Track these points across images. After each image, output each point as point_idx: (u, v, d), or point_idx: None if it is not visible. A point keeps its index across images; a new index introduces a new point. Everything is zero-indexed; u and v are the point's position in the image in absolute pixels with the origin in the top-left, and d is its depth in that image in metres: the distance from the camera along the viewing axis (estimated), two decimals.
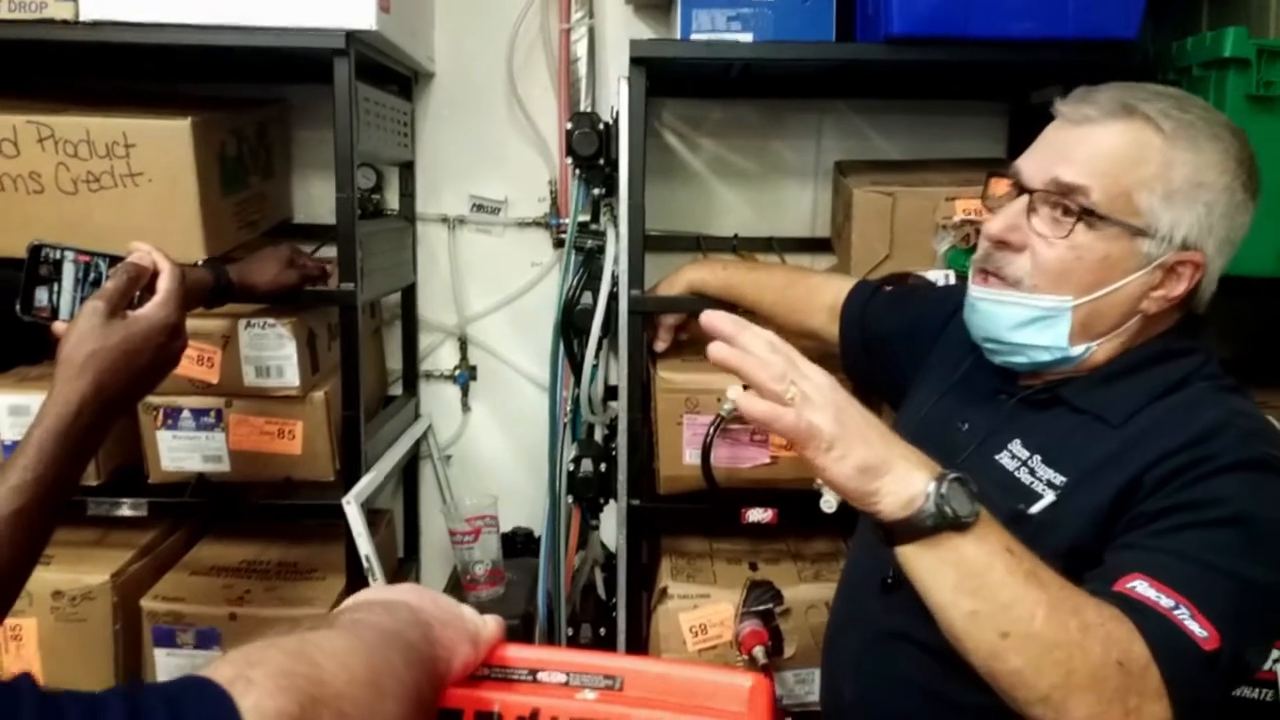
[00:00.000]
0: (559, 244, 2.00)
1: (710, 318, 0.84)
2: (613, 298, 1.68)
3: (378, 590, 0.76)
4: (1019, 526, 0.86)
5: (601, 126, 1.70)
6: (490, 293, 2.08)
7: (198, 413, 1.70)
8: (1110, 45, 1.45)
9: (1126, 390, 0.95)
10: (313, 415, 1.70)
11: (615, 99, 1.63)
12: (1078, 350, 0.97)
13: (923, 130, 2.00)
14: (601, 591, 1.88)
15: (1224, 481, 0.85)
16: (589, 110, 1.90)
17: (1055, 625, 0.76)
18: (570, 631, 1.79)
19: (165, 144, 1.58)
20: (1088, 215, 0.91)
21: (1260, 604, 0.82)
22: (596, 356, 1.74)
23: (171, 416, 1.70)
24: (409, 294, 2.05)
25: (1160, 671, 0.77)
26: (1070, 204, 0.92)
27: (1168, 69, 1.58)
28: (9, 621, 1.68)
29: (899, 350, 1.29)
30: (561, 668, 0.78)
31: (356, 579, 1.65)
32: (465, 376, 2.09)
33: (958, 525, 0.77)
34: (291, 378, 1.68)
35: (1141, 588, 0.80)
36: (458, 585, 1.87)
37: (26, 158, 1.58)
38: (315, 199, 2.05)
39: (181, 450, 1.71)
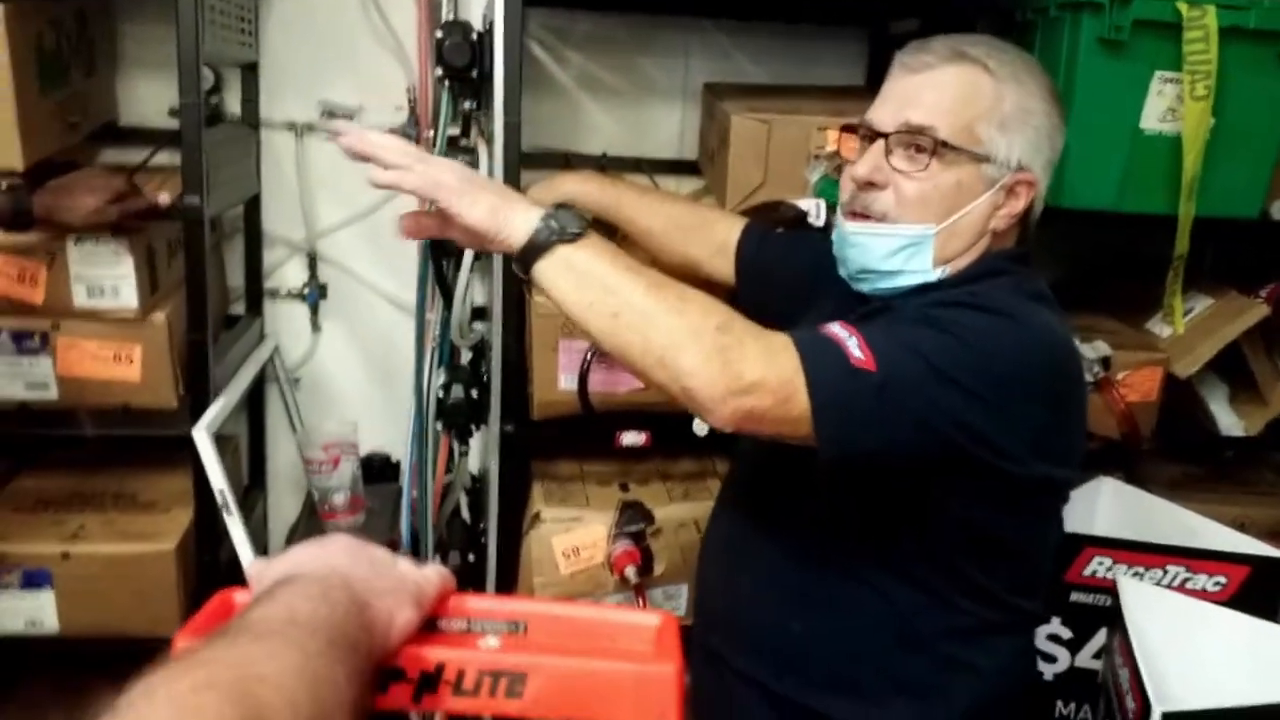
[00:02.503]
0: None
1: (338, 126, 1.03)
2: None
3: (312, 552, 0.70)
4: None
5: (474, 36, 1.61)
6: (342, 206, 1.96)
7: (19, 335, 1.54)
8: None
9: (937, 293, 1.05)
10: (153, 338, 1.57)
11: (488, 7, 1.54)
12: (937, 274, 1.06)
13: (787, 55, 2.00)
14: (467, 517, 1.86)
15: (950, 310, 0.97)
16: (455, 15, 1.80)
17: (655, 299, 0.91)
18: (438, 559, 1.76)
19: None
20: (940, 148, 1.02)
21: (932, 367, 0.92)
22: (468, 279, 1.68)
23: None
24: (252, 206, 1.91)
25: (803, 364, 0.90)
26: (923, 141, 1.03)
27: (1026, 7, 1.64)
28: None
29: (793, 291, 1.32)
30: (462, 614, 0.76)
31: (206, 513, 1.55)
32: (315, 295, 1.97)
33: (565, 238, 0.92)
34: (129, 298, 1.55)
35: (829, 327, 0.95)
36: (313, 514, 1.80)
37: None
38: (142, 100, 1.86)
39: (0, 377, 1.55)
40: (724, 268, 1.43)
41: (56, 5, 1.56)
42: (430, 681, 0.68)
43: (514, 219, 0.93)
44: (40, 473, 1.77)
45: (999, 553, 1.04)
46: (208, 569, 1.61)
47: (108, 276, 1.53)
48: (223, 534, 1.54)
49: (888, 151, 1.05)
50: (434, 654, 0.69)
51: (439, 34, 1.60)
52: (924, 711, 1.05)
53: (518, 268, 0.95)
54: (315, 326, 2.00)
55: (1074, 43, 1.52)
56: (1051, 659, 1.42)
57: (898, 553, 1.04)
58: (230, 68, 1.85)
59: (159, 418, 1.61)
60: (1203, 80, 1.46)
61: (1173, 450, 1.81)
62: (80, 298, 1.54)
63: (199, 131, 1.49)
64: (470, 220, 0.93)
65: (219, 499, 1.49)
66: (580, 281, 0.92)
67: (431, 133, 1.82)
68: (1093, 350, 1.64)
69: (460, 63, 1.58)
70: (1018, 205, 1.06)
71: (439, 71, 1.61)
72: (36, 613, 1.58)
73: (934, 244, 1.05)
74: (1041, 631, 1.41)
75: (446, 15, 1.84)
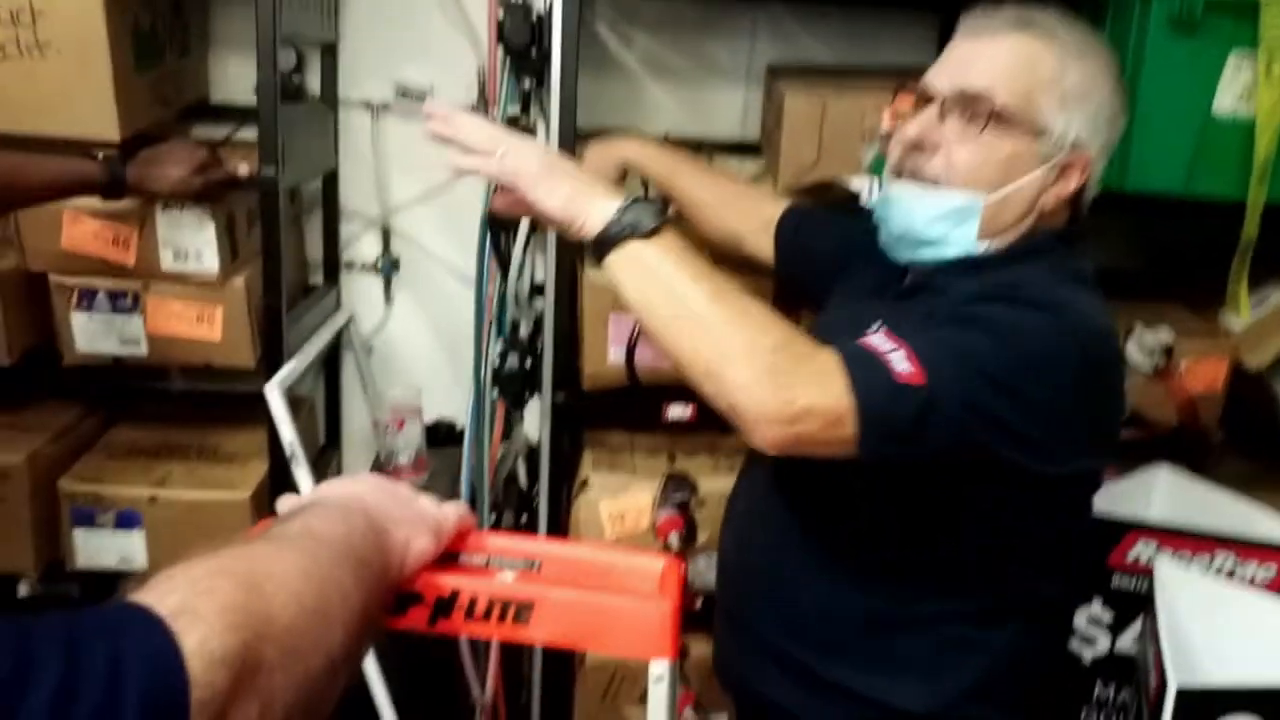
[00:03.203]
0: None
1: (430, 107, 1.01)
2: None
3: (338, 485, 0.76)
4: None
5: (535, 17, 1.67)
6: (414, 183, 2.04)
7: (114, 295, 1.67)
8: None
9: (990, 276, 1.02)
10: (233, 301, 1.68)
11: None
12: (981, 247, 1.04)
13: (856, 36, 2.00)
14: (523, 482, 1.93)
15: (992, 307, 0.94)
16: None
17: (715, 308, 0.89)
18: (493, 518, 1.83)
19: (75, 13, 1.52)
20: (995, 117, 0.99)
21: (980, 374, 0.89)
22: (524, 253, 1.74)
23: (86, 298, 1.66)
24: (330, 181, 2.01)
25: (852, 386, 0.86)
26: (979, 107, 1.00)
27: None
28: None
29: (826, 267, 1.32)
30: (483, 550, 0.82)
31: (280, 466, 1.66)
32: (389, 267, 2.07)
33: (639, 233, 0.91)
34: (210, 263, 1.66)
35: (873, 339, 0.91)
36: (380, 472, 1.89)
37: None
38: (232, 78, 1.97)
39: (97, 333, 1.68)
40: (765, 246, 1.45)
41: None
42: (445, 607, 0.74)
43: (590, 210, 0.93)
44: (132, 424, 1.91)
45: (1023, 542, 1.03)
46: None
47: (192, 242, 1.64)
48: (295, 486, 1.65)
49: (942, 115, 1.02)
50: (450, 581, 0.75)
51: (501, 14, 1.66)
52: (934, 687, 1.05)
53: (591, 257, 0.96)
54: (388, 298, 2.09)
55: (1144, 23, 1.48)
56: (1091, 641, 1.42)
57: (925, 545, 1.03)
58: (311, 48, 1.94)
59: (238, 375, 1.72)
60: (1278, 60, 1.41)
61: (1243, 445, 1.75)
62: (167, 261, 1.65)
63: (275, 106, 1.58)
64: (546, 209, 0.94)
65: (287, 450, 1.59)
66: (645, 279, 0.91)
67: (496, 112, 1.89)
68: (1154, 337, 1.61)
69: (520, 42, 1.64)
70: (1069, 186, 1.03)
71: (500, 50, 1.67)
72: (128, 550, 1.72)
73: (981, 215, 1.01)
74: (1082, 614, 1.41)
75: None
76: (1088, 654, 1.44)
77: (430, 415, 2.03)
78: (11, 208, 1.51)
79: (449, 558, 0.79)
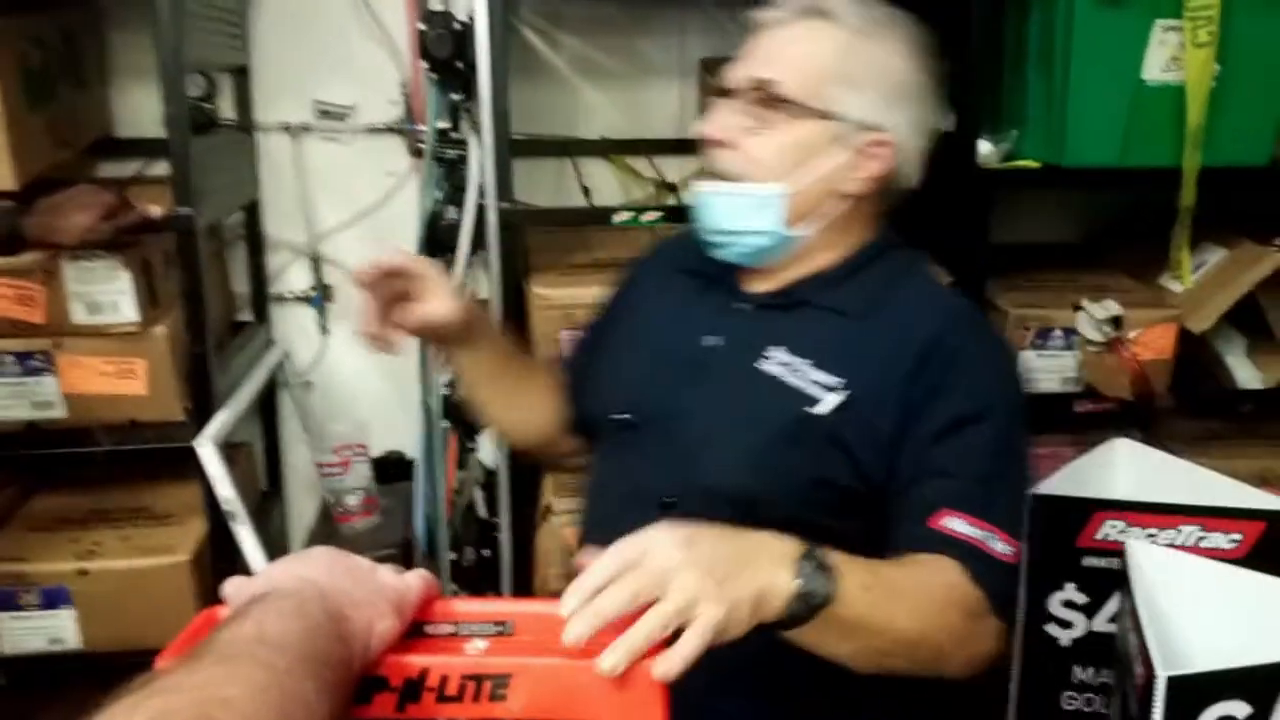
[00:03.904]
0: (416, 152, 1.87)
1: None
2: (480, 209, 1.60)
3: (290, 567, 0.70)
4: (809, 426, 0.97)
5: (457, 25, 1.59)
6: (342, 206, 1.94)
7: (22, 356, 1.54)
8: None
9: (857, 285, 1.05)
10: (155, 351, 1.56)
11: None
12: (795, 232, 1.04)
13: None
14: (483, 512, 1.85)
15: (980, 379, 0.99)
16: (444, 4, 1.77)
17: (915, 619, 0.85)
18: (454, 555, 1.75)
19: None
20: (783, 104, 1.00)
21: (1020, 485, 1.01)
22: (466, 272, 1.66)
23: None
24: (252, 212, 1.90)
25: (985, 597, 0.90)
26: (767, 96, 1.00)
27: None
28: None
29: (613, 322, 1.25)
30: (448, 617, 0.75)
31: (220, 524, 1.55)
32: (320, 298, 1.96)
33: (826, 604, 0.79)
34: (128, 313, 1.54)
35: (955, 525, 0.92)
36: (329, 518, 1.79)
37: None
38: (136, 109, 1.85)
39: (7, 397, 1.55)
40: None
41: (38, 22, 1.55)
42: (414, 689, 0.68)
43: (768, 601, 0.76)
44: (54, 492, 1.78)
45: None
46: (224, 578, 1.60)
47: (105, 292, 1.52)
48: (236, 544, 1.54)
49: (737, 110, 1.03)
50: (416, 661, 0.68)
51: (421, 26, 1.58)
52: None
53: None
54: (323, 329, 1.99)
55: None
56: (1067, 624, 1.40)
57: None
58: (221, 72, 1.83)
59: (167, 430, 1.60)
60: (1205, 26, 1.41)
61: (1191, 407, 1.76)
62: (80, 315, 1.53)
63: (186, 140, 1.48)
64: (742, 632, 0.74)
65: (226, 510, 1.48)
66: (845, 635, 0.82)
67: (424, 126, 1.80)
68: (1103, 309, 1.60)
69: (443, 53, 1.56)
70: (873, 167, 1.03)
71: (424, 63, 1.59)
72: (58, 631, 1.59)
73: (783, 202, 1.02)
74: (1056, 598, 1.40)
75: (435, 6, 1.81)
76: (1065, 637, 1.42)
77: (378, 448, 1.93)
78: None
79: (413, 629, 0.73)
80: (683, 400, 1.04)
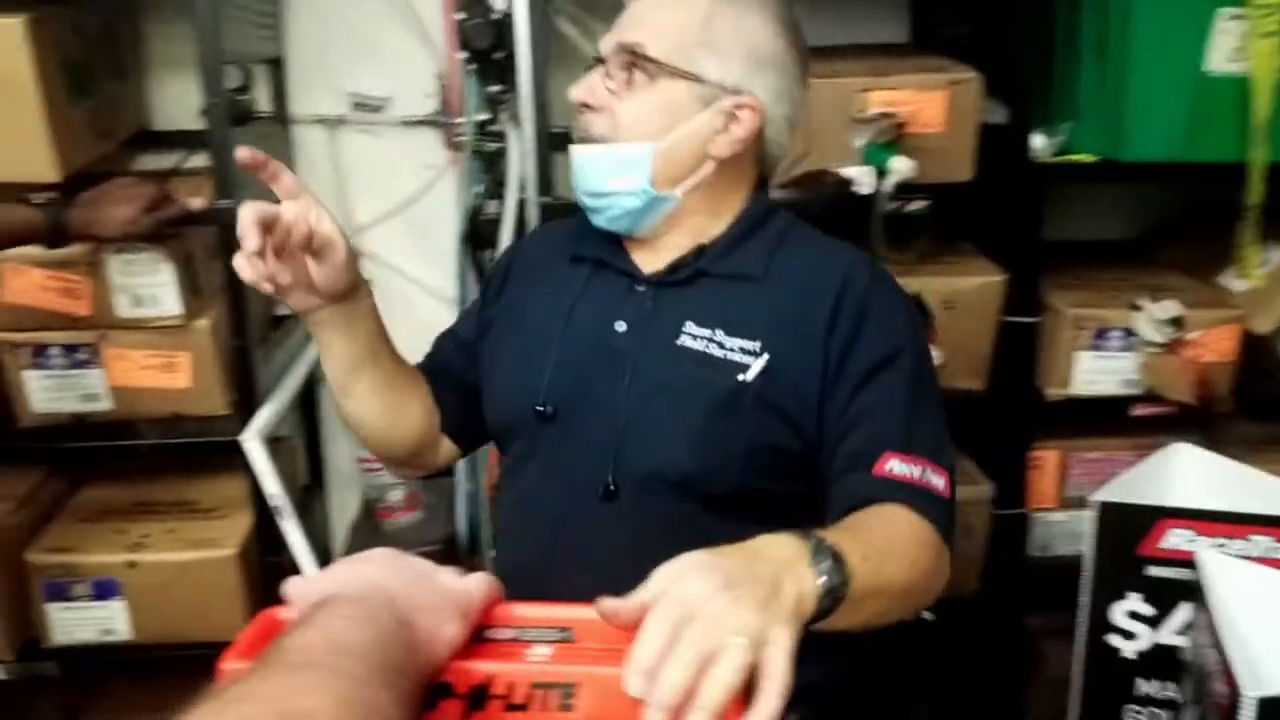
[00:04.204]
0: (454, 145, 1.86)
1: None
2: (521, 203, 1.58)
3: (354, 570, 0.68)
4: (741, 394, 1.00)
5: (496, 15, 1.57)
6: (379, 199, 1.93)
7: (69, 349, 1.55)
8: None
9: (751, 249, 1.09)
10: (199, 345, 1.57)
11: None
12: (665, 193, 1.06)
13: (824, 15, 1.91)
14: None
15: (888, 321, 1.04)
16: None
17: (909, 574, 0.89)
18: (495, 553, 1.75)
19: None
20: (647, 65, 1.04)
21: (939, 413, 1.05)
22: None
23: (39, 355, 1.54)
24: None
25: (936, 531, 0.95)
26: (633, 61, 1.04)
27: None
28: None
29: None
30: (510, 622, 0.74)
31: (265, 517, 1.56)
32: None
33: (846, 589, 0.80)
34: (171, 306, 1.54)
35: (894, 465, 0.97)
36: (371, 513, 1.79)
37: None
38: (173, 101, 1.85)
39: (54, 390, 1.56)
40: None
41: (78, 13, 1.55)
42: (480, 696, 0.66)
43: (805, 608, 0.75)
44: (102, 484, 1.79)
45: None
46: (270, 572, 1.62)
47: (149, 285, 1.53)
48: (282, 537, 1.55)
49: (606, 75, 1.06)
50: (482, 667, 0.67)
51: (460, 16, 1.56)
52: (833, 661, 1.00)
53: None
54: None
55: None
56: (1131, 635, 1.37)
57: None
58: (257, 64, 1.82)
59: (212, 423, 1.61)
60: (1271, 15, 1.38)
61: (1252, 410, 1.72)
62: (124, 308, 1.54)
63: (226, 132, 1.48)
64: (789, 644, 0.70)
65: (273, 505, 1.49)
66: (856, 607, 0.81)
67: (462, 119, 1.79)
68: (1162, 310, 1.57)
69: (483, 44, 1.54)
70: (739, 130, 1.05)
71: (462, 55, 1.57)
72: (109, 622, 1.61)
73: (651, 162, 1.04)
74: (1118, 608, 1.36)
75: None
76: (1128, 649, 1.39)
77: None
78: None
79: (475, 634, 0.71)
80: (605, 388, 1.05)
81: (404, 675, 0.59)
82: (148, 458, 1.67)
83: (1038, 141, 1.53)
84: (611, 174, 1.06)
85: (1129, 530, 1.35)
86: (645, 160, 1.04)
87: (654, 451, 1.01)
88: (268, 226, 0.95)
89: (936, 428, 1.03)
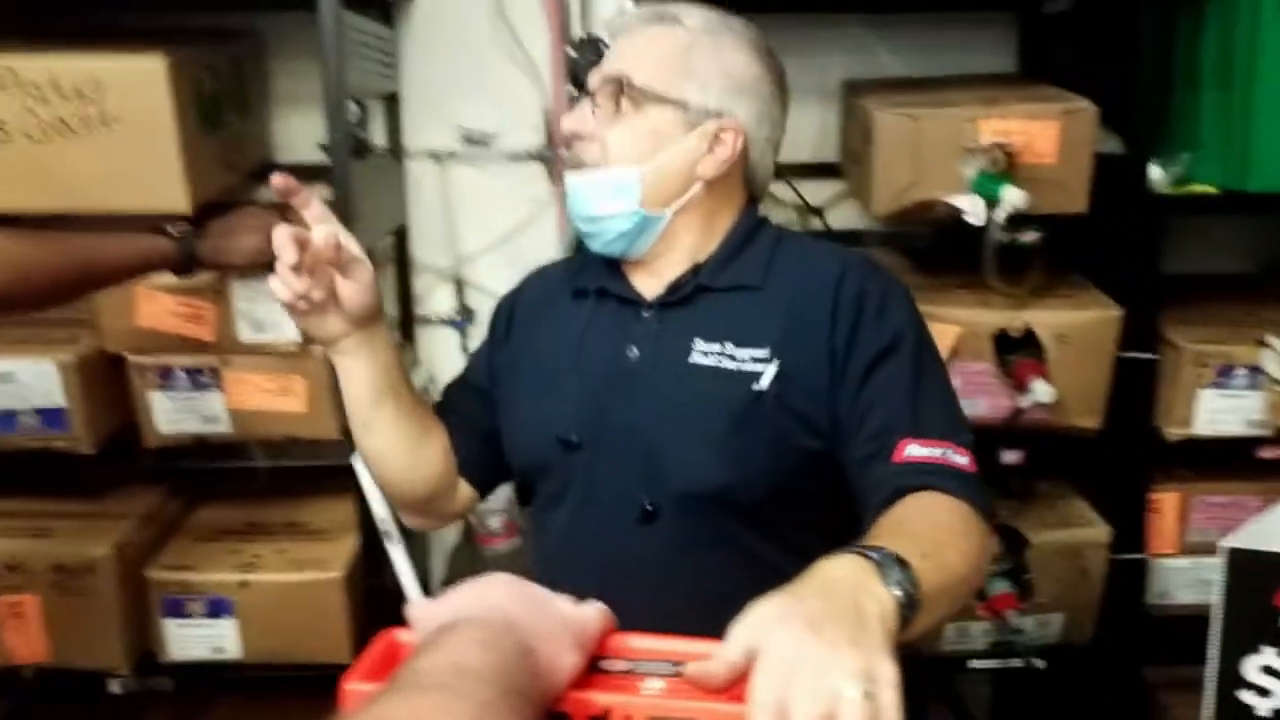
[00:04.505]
0: (558, 179, 1.90)
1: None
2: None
3: (474, 595, 0.69)
4: (759, 403, 1.02)
5: (605, 50, 1.59)
6: (484, 231, 1.98)
7: (193, 372, 1.61)
8: None
9: (747, 260, 1.12)
10: (315, 371, 1.61)
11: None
12: (655, 213, 1.10)
13: (931, 46, 1.91)
14: None
15: (886, 312, 1.07)
16: (585, 32, 1.79)
17: (964, 559, 0.89)
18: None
19: (139, 85, 1.47)
20: (633, 92, 1.09)
21: (949, 393, 1.08)
22: None
23: (165, 377, 1.61)
24: (400, 236, 1.95)
25: (973, 509, 0.96)
26: (618, 90, 1.09)
27: None
28: (9, 598, 1.61)
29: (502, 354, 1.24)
30: (623, 654, 0.74)
31: (373, 540, 1.58)
32: (463, 321, 2.00)
33: (918, 595, 0.79)
34: (290, 332, 1.59)
35: (913, 450, 0.99)
36: (471, 538, 1.82)
37: None
38: (294, 136, 1.92)
39: (177, 412, 1.63)
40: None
41: (213, 51, 1.63)
42: None
43: (889, 626, 0.74)
44: (217, 503, 1.85)
45: None
46: (374, 594, 1.65)
47: (270, 312, 1.58)
48: (387, 560, 1.57)
49: (594, 106, 1.11)
50: (599, 699, 0.67)
51: (571, 52, 1.60)
52: None
53: None
54: (465, 350, 2.02)
55: (1255, 10, 1.41)
56: (1266, 692, 1.30)
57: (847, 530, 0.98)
58: (373, 99, 1.89)
59: (323, 447, 1.65)
60: None
61: None
62: (245, 333, 1.60)
63: (347, 165, 1.53)
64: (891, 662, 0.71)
65: (381, 529, 1.51)
66: (930, 608, 0.81)
67: (566, 150, 1.82)
68: None
69: None
70: (722, 152, 1.10)
71: (570, 88, 1.60)
72: (220, 640, 1.65)
73: (640, 185, 1.09)
74: (1251, 662, 1.30)
75: (578, 32, 1.83)
76: (1263, 706, 1.32)
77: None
78: (86, 292, 1.45)
79: (589, 665, 0.71)
80: (625, 413, 1.07)
81: (528, 702, 0.60)
82: (260, 479, 1.72)
83: (1155, 172, 1.49)
84: (603, 198, 1.10)
85: (1262, 579, 1.28)
86: (634, 183, 1.09)
87: (684, 470, 1.04)
88: (301, 245, 1.00)
89: (948, 408, 1.06)
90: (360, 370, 1.12)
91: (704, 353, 1.07)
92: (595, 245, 1.14)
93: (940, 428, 1.01)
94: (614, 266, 1.15)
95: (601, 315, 1.14)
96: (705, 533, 1.04)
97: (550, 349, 1.17)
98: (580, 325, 1.15)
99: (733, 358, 1.06)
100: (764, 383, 1.04)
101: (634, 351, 1.10)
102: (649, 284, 1.13)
